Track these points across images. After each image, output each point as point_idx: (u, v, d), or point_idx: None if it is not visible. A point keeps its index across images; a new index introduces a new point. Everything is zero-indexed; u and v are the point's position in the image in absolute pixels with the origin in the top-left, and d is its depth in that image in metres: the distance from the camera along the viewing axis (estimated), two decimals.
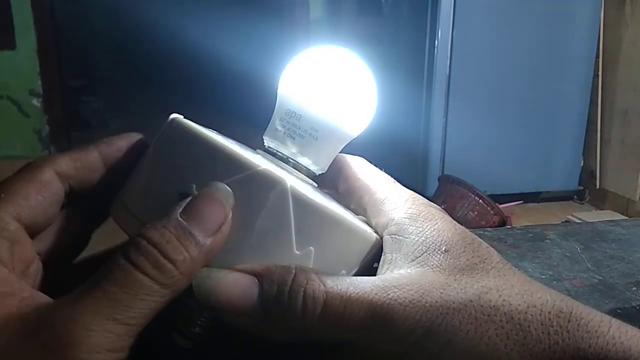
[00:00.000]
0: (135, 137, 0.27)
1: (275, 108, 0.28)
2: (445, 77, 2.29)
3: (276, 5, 3.33)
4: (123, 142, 0.27)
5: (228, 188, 0.23)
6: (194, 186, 0.23)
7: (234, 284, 0.22)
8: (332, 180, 0.29)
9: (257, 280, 0.22)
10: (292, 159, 0.27)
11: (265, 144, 0.28)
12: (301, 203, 0.23)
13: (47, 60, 2.91)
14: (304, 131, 0.27)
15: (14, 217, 0.23)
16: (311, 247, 0.24)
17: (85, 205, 0.27)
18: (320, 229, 0.24)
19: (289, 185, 0.23)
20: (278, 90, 0.28)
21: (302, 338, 0.23)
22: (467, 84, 2.32)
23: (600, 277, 0.40)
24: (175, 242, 0.21)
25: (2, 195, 0.23)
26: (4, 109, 2.92)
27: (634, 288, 0.39)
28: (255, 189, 0.23)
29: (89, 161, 0.26)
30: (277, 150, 0.27)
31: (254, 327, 0.23)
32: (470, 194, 2.03)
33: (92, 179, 0.26)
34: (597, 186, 2.55)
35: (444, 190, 2.11)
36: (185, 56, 5.87)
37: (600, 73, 2.46)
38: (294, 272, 0.22)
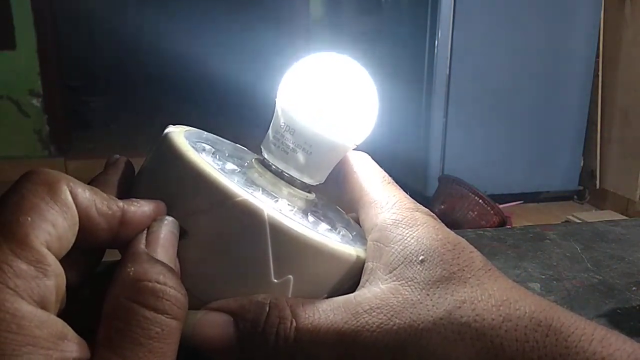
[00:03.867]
0: (162, 207, 0.24)
1: (272, 120, 0.27)
2: (445, 77, 2.29)
3: (276, 5, 3.33)
4: (150, 211, 0.23)
5: (176, 221, 0.23)
6: (179, 210, 0.23)
7: (210, 326, 0.23)
8: (336, 177, 0.29)
9: (231, 320, 0.23)
10: (286, 172, 0.27)
11: (262, 154, 0.27)
12: (279, 232, 0.23)
13: (47, 60, 2.91)
14: (297, 145, 0.26)
15: (47, 247, 0.19)
16: (290, 276, 0.24)
17: None
18: (298, 257, 0.24)
19: (266, 216, 0.23)
20: (277, 95, 0.27)
21: None
22: (467, 84, 2.32)
23: (600, 277, 0.40)
24: (172, 275, 0.21)
25: (29, 219, 0.19)
26: (4, 109, 2.92)
27: (634, 288, 0.39)
28: (233, 218, 0.23)
29: (107, 215, 0.22)
30: (272, 163, 0.27)
31: None
32: (470, 194, 2.03)
33: (99, 237, 0.22)
34: (597, 186, 2.55)
35: (444, 190, 2.11)
36: (186, 56, 5.86)
37: (600, 73, 2.46)
38: (267, 309, 0.23)
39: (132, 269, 0.20)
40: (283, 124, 0.27)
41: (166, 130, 0.26)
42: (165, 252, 0.22)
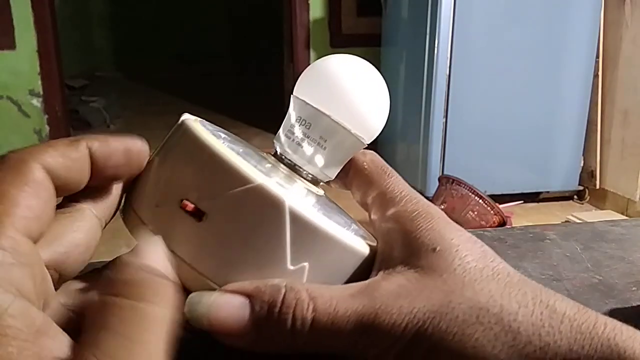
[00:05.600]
0: (135, 142, 0.24)
1: (287, 114, 0.28)
2: (445, 77, 2.29)
3: (276, 5, 3.33)
4: (119, 145, 0.23)
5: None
6: (196, 194, 0.23)
7: (225, 307, 0.22)
8: (344, 172, 0.29)
9: (247, 302, 0.23)
10: (299, 166, 0.27)
11: (274, 149, 0.28)
12: (297, 220, 0.23)
13: (47, 60, 2.92)
14: (312, 140, 0.27)
15: (24, 234, 0.19)
16: (305, 263, 0.24)
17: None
18: (315, 246, 0.24)
19: (286, 202, 0.23)
20: (292, 96, 0.28)
21: (294, 352, 0.23)
22: (467, 84, 2.32)
23: (600, 277, 0.40)
24: (137, 259, 0.20)
25: (1, 207, 0.18)
26: (4, 109, 2.92)
27: (634, 288, 0.39)
28: (253, 203, 0.23)
29: (79, 159, 0.22)
30: (285, 157, 0.27)
31: (246, 346, 0.23)
32: (470, 194, 2.03)
33: (81, 181, 0.22)
34: (597, 186, 2.55)
35: (444, 190, 2.11)
36: (186, 56, 5.86)
37: (600, 73, 2.46)
38: (283, 291, 0.23)
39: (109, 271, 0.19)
40: (299, 118, 0.27)
41: (182, 117, 0.26)
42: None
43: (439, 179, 2.23)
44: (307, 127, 0.27)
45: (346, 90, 0.27)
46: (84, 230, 0.22)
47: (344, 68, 0.28)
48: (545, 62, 2.37)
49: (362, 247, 0.25)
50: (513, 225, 1.83)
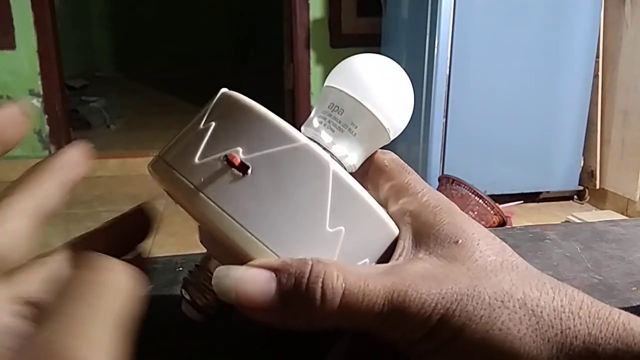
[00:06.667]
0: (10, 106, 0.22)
1: (319, 100, 0.29)
2: (445, 77, 2.29)
3: (276, 5, 3.33)
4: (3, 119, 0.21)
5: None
6: (240, 150, 0.24)
7: (252, 280, 0.22)
8: (363, 170, 0.30)
9: (274, 275, 0.22)
10: (328, 150, 0.28)
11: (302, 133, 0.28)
12: (340, 183, 0.24)
13: (47, 60, 2.91)
14: (344, 125, 0.28)
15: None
16: (342, 227, 0.24)
17: None
18: (353, 212, 0.25)
19: (331, 163, 0.24)
20: (325, 83, 0.29)
21: (320, 328, 0.23)
22: (467, 84, 2.31)
23: (600, 277, 0.40)
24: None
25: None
26: None
27: (634, 288, 0.39)
28: (299, 161, 0.24)
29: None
30: (314, 140, 0.28)
31: (274, 321, 0.23)
32: (470, 194, 2.03)
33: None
34: (597, 186, 2.55)
35: (444, 190, 2.11)
36: (186, 56, 5.86)
37: (600, 73, 2.46)
38: (310, 263, 0.22)
39: None
40: (331, 104, 0.28)
41: (222, 90, 0.27)
42: None
43: (439, 179, 2.23)
44: (340, 112, 0.28)
45: (379, 84, 0.28)
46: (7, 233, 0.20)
47: (378, 64, 0.29)
48: (545, 62, 2.37)
49: (393, 226, 0.26)
50: (513, 225, 1.83)
